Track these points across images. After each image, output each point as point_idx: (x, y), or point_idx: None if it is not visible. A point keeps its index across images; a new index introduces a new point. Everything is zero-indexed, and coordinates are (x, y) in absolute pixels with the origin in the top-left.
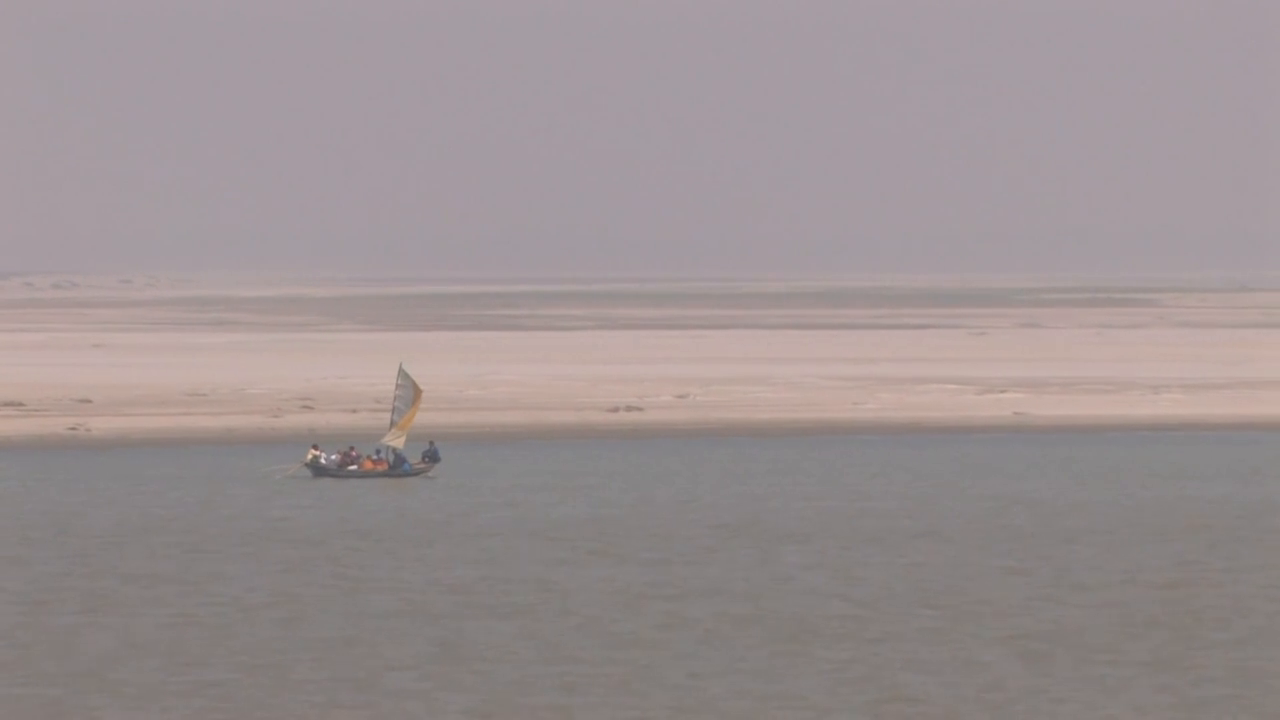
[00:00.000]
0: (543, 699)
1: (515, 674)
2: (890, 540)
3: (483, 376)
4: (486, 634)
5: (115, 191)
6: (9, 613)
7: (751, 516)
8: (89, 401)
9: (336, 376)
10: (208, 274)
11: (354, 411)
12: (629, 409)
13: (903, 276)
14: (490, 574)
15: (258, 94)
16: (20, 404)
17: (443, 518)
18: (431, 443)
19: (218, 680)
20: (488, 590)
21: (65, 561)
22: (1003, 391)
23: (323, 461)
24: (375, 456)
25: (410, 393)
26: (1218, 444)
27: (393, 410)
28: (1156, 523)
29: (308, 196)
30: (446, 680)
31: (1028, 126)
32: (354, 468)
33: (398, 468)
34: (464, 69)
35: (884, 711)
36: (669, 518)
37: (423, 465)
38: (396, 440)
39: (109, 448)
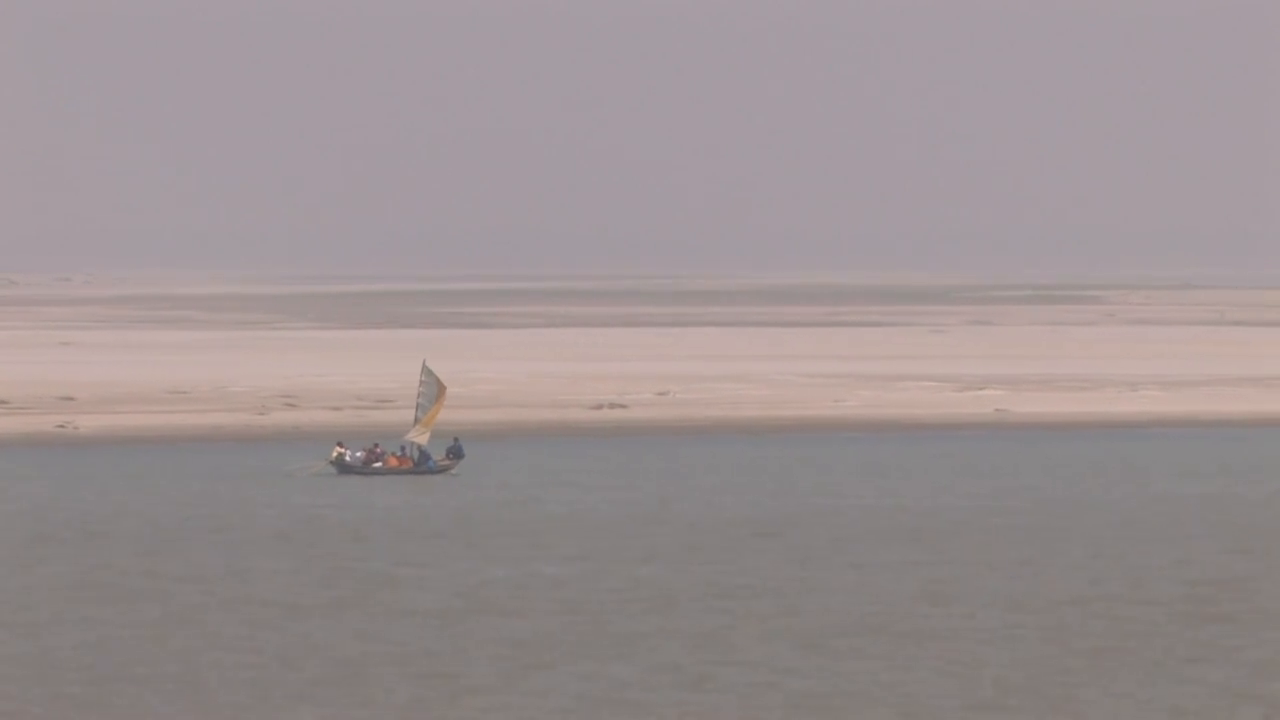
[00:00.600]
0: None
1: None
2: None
3: (461, 374)
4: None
5: (46, 187)
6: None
7: (885, 516)
8: (72, 399)
9: (314, 374)
10: (142, 272)
11: (338, 409)
12: (612, 406)
13: (831, 274)
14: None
15: (185, 92)
16: (4, 402)
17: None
18: (456, 439)
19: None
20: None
21: (137, 559)
22: (981, 389)
23: (348, 459)
24: (400, 453)
25: (434, 389)
26: (1216, 441)
27: (416, 407)
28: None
29: (233, 196)
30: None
31: (951, 126)
32: (379, 465)
33: (422, 464)
34: (397, 69)
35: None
36: (803, 513)
37: (447, 462)
38: (420, 437)
39: (100, 445)
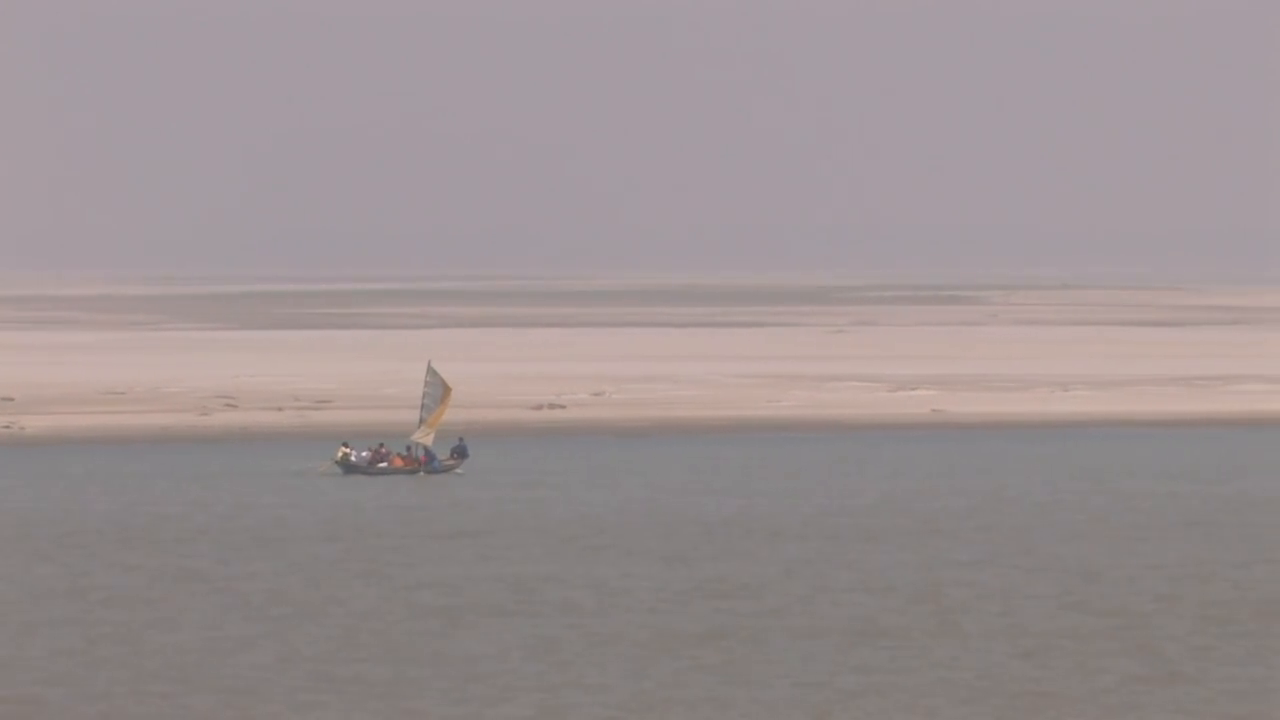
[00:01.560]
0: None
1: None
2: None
3: (392, 374)
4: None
5: None
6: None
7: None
8: (11, 399)
9: (246, 375)
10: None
11: (280, 410)
12: (552, 407)
13: (689, 274)
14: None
15: (31, 92)
16: None
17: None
18: (461, 439)
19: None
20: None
21: (162, 561)
22: (914, 389)
23: (353, 459)
24: (405, 453)
25: (439, 390)
26: (1166, 441)
27: (421, 407)
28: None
29: (83, 196)
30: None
31: (810, 126)
32: (384, 465)
33: (428, 464)
34: (256, 69)
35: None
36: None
37: (451, 461)
38: (425, 437)
39: (56, 446)
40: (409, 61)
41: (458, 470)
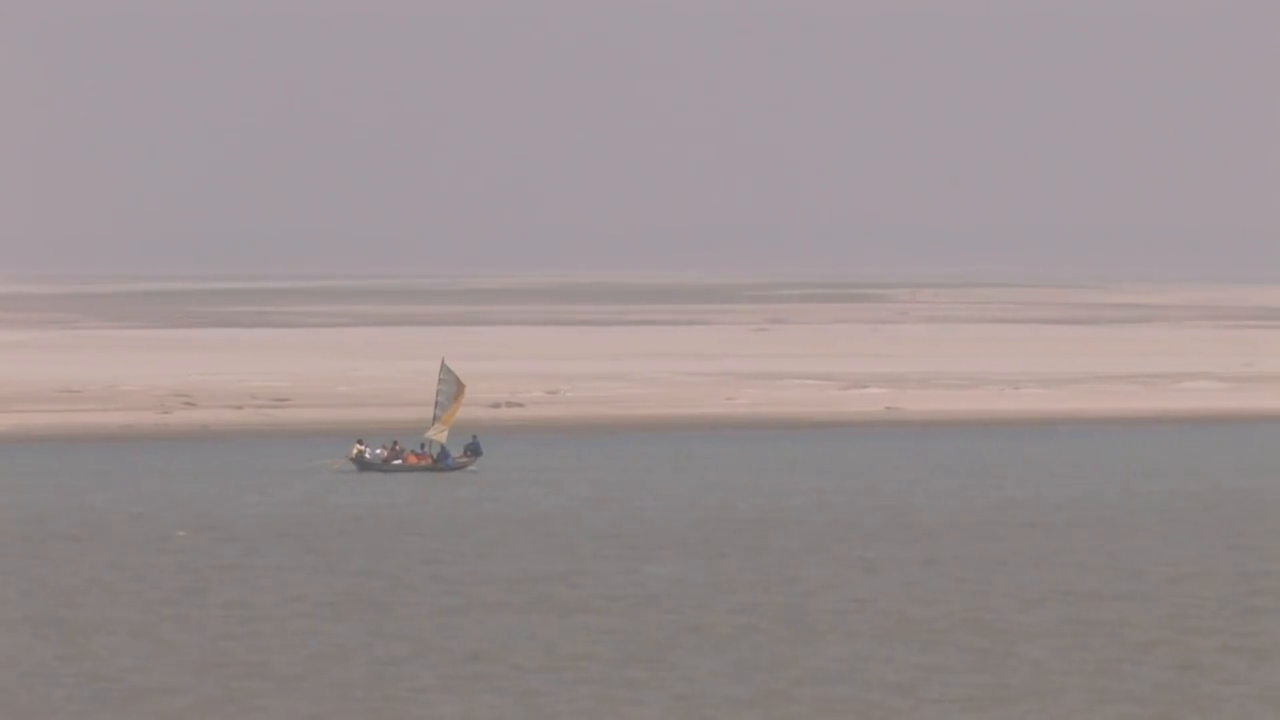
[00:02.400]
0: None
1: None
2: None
3: (344, 373)
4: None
5: None
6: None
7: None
8: None
9: (200, 374)
10: None
11: (240, 408)
12: (509, 405)
13: (586, 272)
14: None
15: None
16: None
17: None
18: (474, 437)
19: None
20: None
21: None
22: (865, 387)
23: (368, 456)
24: (419, 451)
25: (453, 387)
26: (1133, 437)
27: (435, 405)
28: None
29: None
30: None
31: (705, 122)
32: (398, 462)
33: (441, 461)
34: (141, 67)
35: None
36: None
37: (465, 459)
38: (440, 434)
39: (27, 444)
40: (308, 55)
41: (471, 468)
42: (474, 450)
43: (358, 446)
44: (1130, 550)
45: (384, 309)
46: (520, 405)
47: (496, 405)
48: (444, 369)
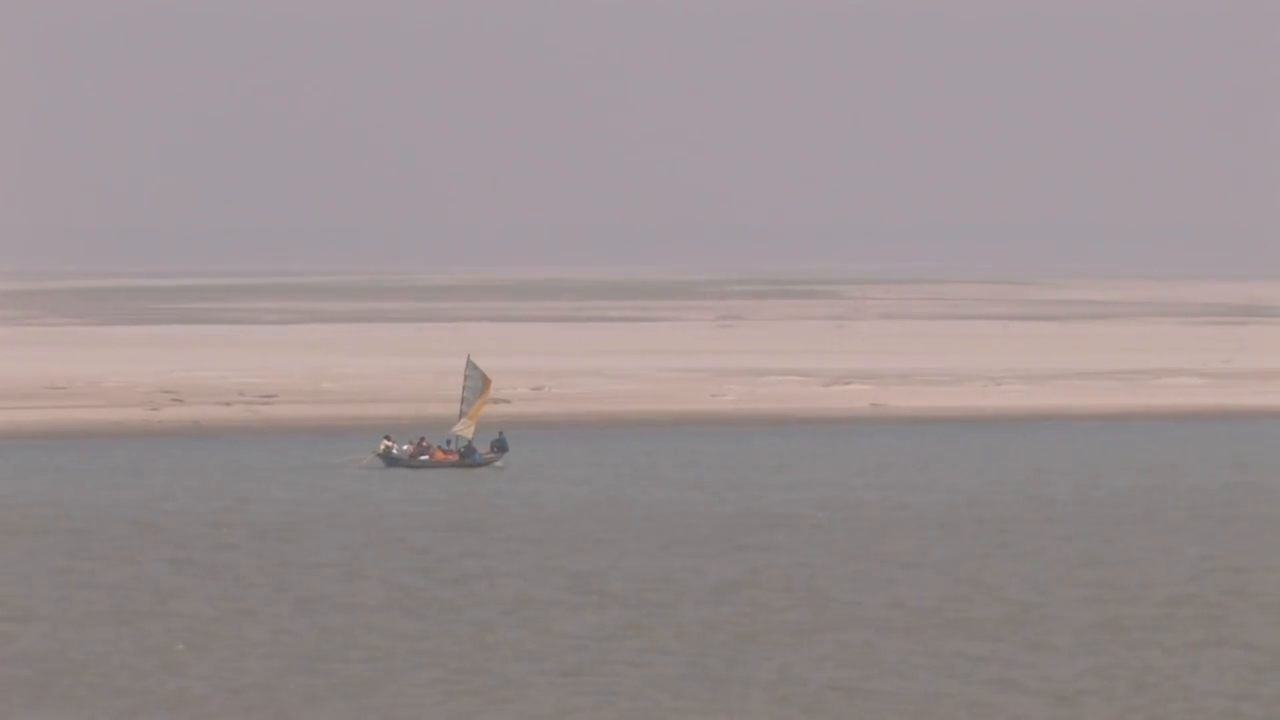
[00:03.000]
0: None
1: None
2: None
3: (326, 369)
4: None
5: None
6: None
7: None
8: None
9: (179, 370)
10: None
11: (228, 405)
12: (496, 401)
13: (527, 270)
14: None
15: None
16: None
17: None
18: (500, 433)
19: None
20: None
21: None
22: (848, 383)
23: (395, 452)
24: (446, 447)
25: (479, 383)
26: (1133, 432)
27: (461, 401)
28: None
29: None
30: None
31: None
32: (425, 458)
33: (468, 457)
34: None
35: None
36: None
37: (491, 455)
38: (466, 430)
39: (28, 440)
40: (251, 53)
41: (498, 464)
42: (500, 446)
43: (385, 442)
44: None
45: (333, 306)
46: (507, 401)
47: None
48: (469, 365)
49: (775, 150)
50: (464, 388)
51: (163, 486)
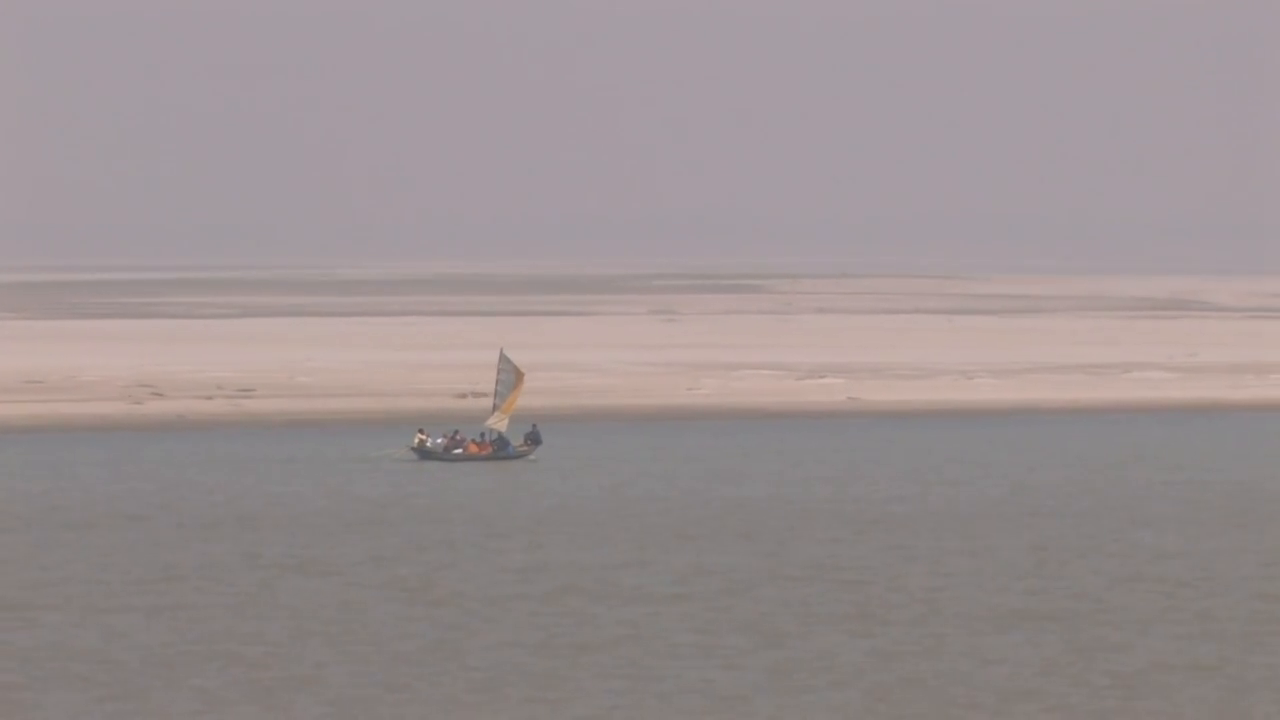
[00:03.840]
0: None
1: None
2: None
3: (299, 364)
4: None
5: None
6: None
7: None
8: None
9: (154, 364)
10: None
11: (210, 398)
12: (475, 395)
13: (458, 264)
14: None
15: None
16: None
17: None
18: (534, 425)
19: None
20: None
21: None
22: (821, 377)
23: (429, 445)
24: (480, 439)
25: (512, 376)
26: (1107, 426)
27: (495, 394)
28: None
29: None
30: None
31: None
32: (459, 451)
33: (501, 450)
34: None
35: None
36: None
37: (525, 447)
38: (499, 423)
39: (26, 433)
40: (190, 47)
41: (531, 457)
42: (534, 439)
43: (420, 435)
44: None
45: (283, 300)
46: (486, 394)
47: (462, 395)
48: (502, 359)
49: (705, 145)
50: (497, 381)
51: (152, 479)
